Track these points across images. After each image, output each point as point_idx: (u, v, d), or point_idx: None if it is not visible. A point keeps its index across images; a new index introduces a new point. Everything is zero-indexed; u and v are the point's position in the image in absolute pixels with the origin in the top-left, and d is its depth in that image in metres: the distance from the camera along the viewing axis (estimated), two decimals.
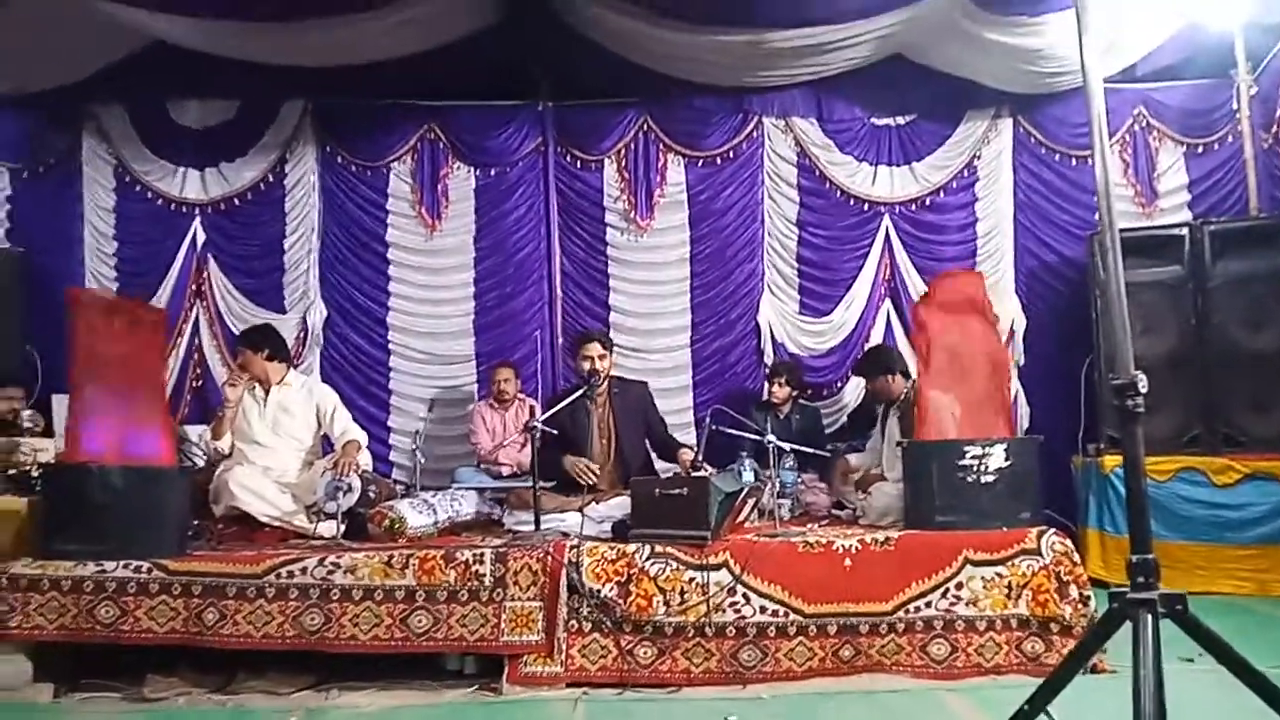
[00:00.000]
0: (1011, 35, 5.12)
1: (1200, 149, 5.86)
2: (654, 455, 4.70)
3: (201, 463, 4.52)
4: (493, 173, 6.10)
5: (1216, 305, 4.97)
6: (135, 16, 4.90)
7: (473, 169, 6.12)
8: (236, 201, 6.02)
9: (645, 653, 3.34)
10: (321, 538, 3.91)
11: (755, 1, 4.75)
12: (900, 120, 6.07)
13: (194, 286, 5.96)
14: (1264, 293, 4.90)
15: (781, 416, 5.43)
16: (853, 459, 4.71)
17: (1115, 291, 2.14)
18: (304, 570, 3.38)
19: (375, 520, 3.91)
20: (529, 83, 6.00)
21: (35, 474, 4.01)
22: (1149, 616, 1.93)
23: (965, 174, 6.02)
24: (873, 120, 6.08)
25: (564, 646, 3.34)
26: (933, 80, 5.77)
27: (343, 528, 3.87)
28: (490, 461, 5.54)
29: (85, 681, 3.38)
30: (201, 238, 5.98)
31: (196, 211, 6.00)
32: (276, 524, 4.08)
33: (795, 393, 5.55)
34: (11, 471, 4.13)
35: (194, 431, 5.04)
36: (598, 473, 4.31)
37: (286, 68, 5.47)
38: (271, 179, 6.04)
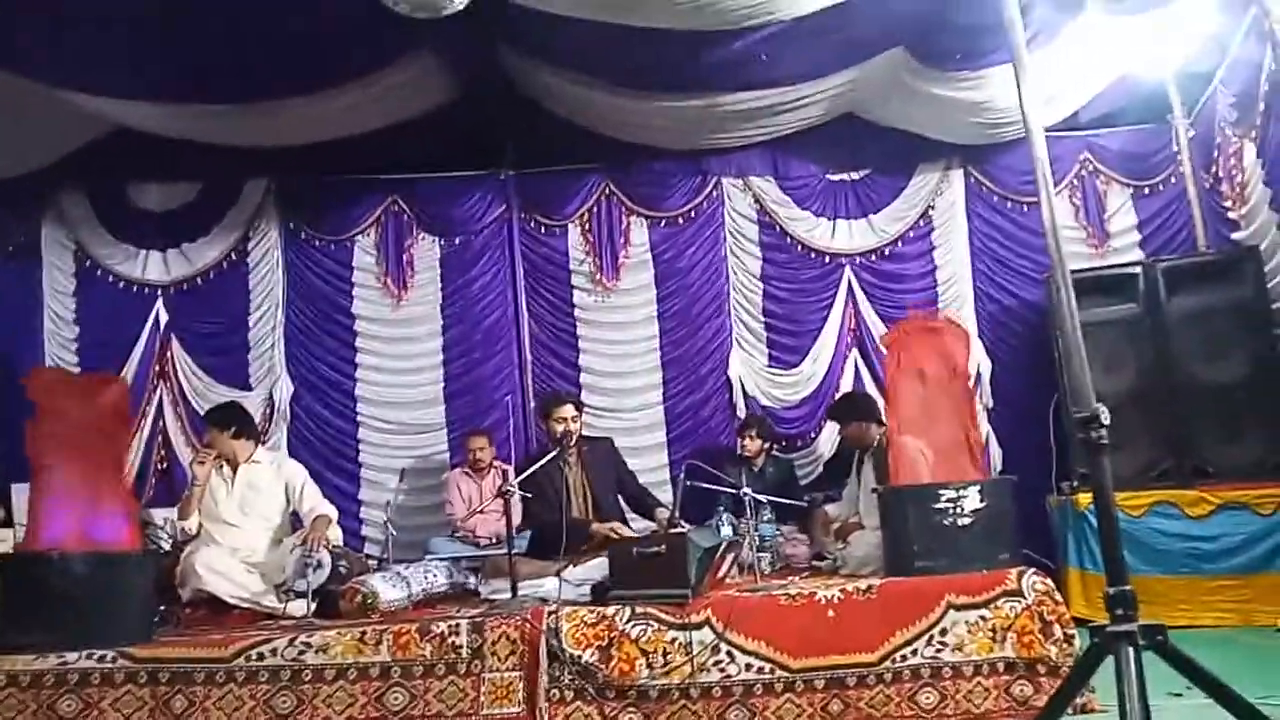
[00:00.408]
0: (956, 89, 5.29)
1: (1147, 190, 6.05)
2: (627, 510, 4.66)
3: (167, 546, 4.41)
4: (457, 241, 6.15)
5: (1174, 340, 5.07)
6: (97, 104, 4.92)
7: (437, 238, 6.16)
8: (199, 281, 6.02)
9: (630, 718, 3.26)
10: (292, 617, 3.80)
11: (706, 67, 4.87)
12: (855, 175, 6.23)
13: (157, 367, 5.89)
14: (1220, 326, 5.01)
15: (755, 469, 5.43)
16: (830, 509, 4.70)
17: (1070, 326, 2.18)
18: (274, 651, 3.28)
19: (347, 596, 3.81)
20: (491, 152, 6.10)
21: None
22: (1129, 649, 1.93)
23: (921, 224, 6.17)
24: (828, 176, 6.23)
25: (546, 717, 3.24)
26: (884, 135, 5.93)
27: (314, 606, 3.77)
28: (467, 530, 5.46)
29: None
30: (165, 318, 5.95)
31: (158, 292, 5.97)
32: (245, 605, 3.98)
33: (767, 445, 5.56)
34: None
35: (159, 515, 4.93)
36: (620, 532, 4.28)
37: (248, 148, 5.52)
38: (234, 257, 6.05)
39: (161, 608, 3.83)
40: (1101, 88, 5.51)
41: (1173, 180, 5.98)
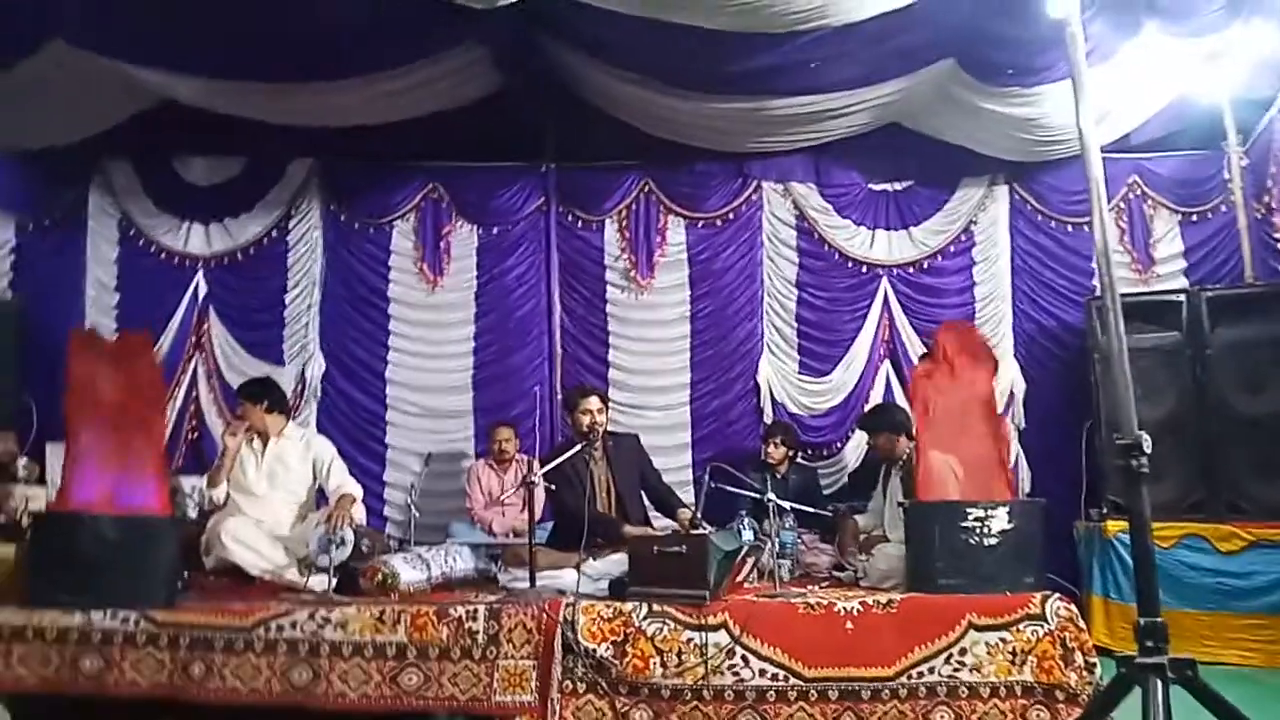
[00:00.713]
0: (1006, 105, 5.23)
1: (1195, 217, 5.94)
2: (650, 508, 4.66)
3: (194, 514, 4.47)
4: (495, 231, 6.17)
5: (1215, 371, 4.98)
6: (150, 77, 5.00)
7: (475, 227, 6.19)
8: (239, 256, 6.09)
9: (641, 715, 3.25)
10: (313, 591, 3.84)
11: (755, 71, 4.85)
12: (897, 186, 6.18)
13: (194, 338, 5.98)
14: (1262, 358, 4.91)
15: (779, 477, 5.39)
16: (860, 520, 4.66)
17: (1117, 351, 2.15)
18: (294, 624, 3.31)
19: (368, 575, 3.83)
20: (533, 145, 6.11)
21: (26, 521, 3.95)
22: (1158, 681, 1.90)
23: (962, 239, 6.10)
24: (870, 185, 6.18)
25: (558, 708, 3.25)
26: (929, 147, 5.87)
27: (334, 582, 3.80)
28: (485, 523, 5.50)
29: None
30: (204, 290, 6.04)
31: (199, 265, 6.06)
32: (268, 577, 4.01)
33: (792, 453, 5.52)
34: (2, 518, 4.09)
35: (188, 483, 5.00)
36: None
37: (294, 127, 5.58)
38: (275, 234, 6.11)
39: (185, 574, 3.88)
40: (1155, 110, 5.43)
41: (1223, 208, 5.87)
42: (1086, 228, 5.95)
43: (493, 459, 5.69)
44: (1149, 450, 2.02)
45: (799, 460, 5.64)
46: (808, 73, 4.89)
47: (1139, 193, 5.99)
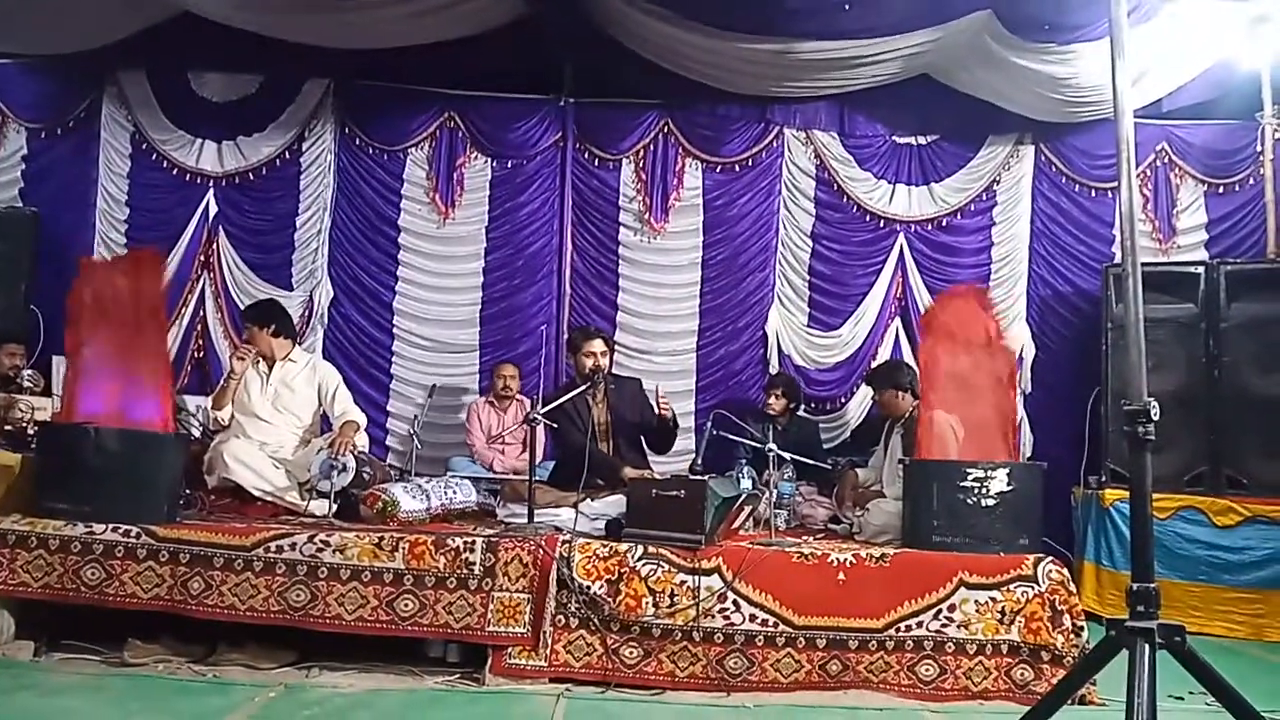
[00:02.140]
0: (1040, 62, 5.10)
1: (1221, 189, 5.84)
2: (650, 453, 4.68)
3: (198, 433, 4.50)
4: (509, 164, 6.09)
5: (1229, 346, 4.94)
6: None
7: (489, 159, 6.11)
8: (251, 176, 6.03)
9: (631, 653, 3.31)
10: (313, 515, 3.88)
11: (786, 11, 4.73)
12: (922, 140, 6.07)
13: (202, 257, 5.96)
14: (1277, 336, 4.86)
15: (779, 428, 5.40)
16: (860, 473, 4.67)
17: (1133, 318, 2.12)
18: (293, 546, 3.35)
19: (368, 502, 3.88)
20: (552, 77, 6.00)
21: (31, 431, 3.99)
22: (1147, 646, 1.90)
23: (984, 198, 6.01)
24: (894, 138, 6.07)
25: (549, 641, 3.30)
26: (957, 102, 5.75)
27: (334, 507, 3.85)
28: (485, 462, 5.53)
29: (66, 642, 3.35)
30: (214, 209, 5.99)
31: (210, 183, 6.00)
32: (269, 499, 4.06)
33: (792, 405, 5.52)
34: (8, 428, 4.12)
35: (192, 402, 5.02)
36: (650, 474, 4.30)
37: (311, 47, 5.47)
38: (288, 156, 6.04)
39: (187, 492, 3.93)
40: (1192, 76, 5.29)
41: (1251, 181, 5.77)
42: (1110, 194, 5.86)
43: (494, 396, 5.70)
44: (1156, 418, 2.00)
45: (800, 413, 5.64)
46: (839, 16, 4.77)
47: (1166, 160, 5.88)
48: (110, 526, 3.35)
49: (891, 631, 3.33)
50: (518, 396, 5.71)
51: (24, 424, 4.12)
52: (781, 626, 3.32)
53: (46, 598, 3.31)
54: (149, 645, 3.32)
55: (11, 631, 3.32)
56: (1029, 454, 5.62)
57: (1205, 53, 5.12)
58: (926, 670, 3.32)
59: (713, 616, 3.31)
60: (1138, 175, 5.77)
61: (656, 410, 4.56)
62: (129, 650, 3.28)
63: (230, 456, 4.05)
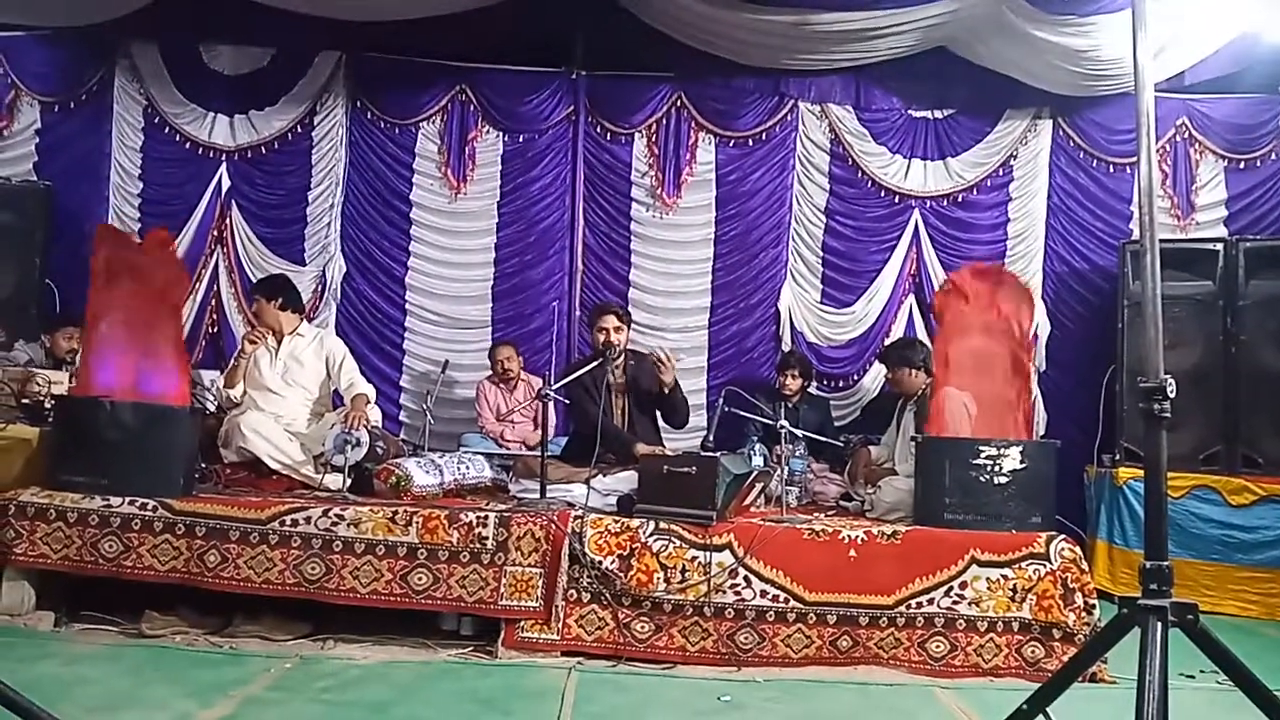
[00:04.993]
0: (1059, 34, 5.01)
1: (1241, 164, 5.76)
2: (664, 428, 4.68)
3: (213, 407, 4.53)
4: (521, 138, 6.05)
5: (1246, 324, 4.89)
6: None
7: (501, 134, 6.06)
8: (263, 150, 6.00)
9: (642, 627, 3.33)
10: (327, 489, 3.91)
11: None
12: (938, 114, 5.98)
13: (216, 232, 5.95)
14: None
15: (791, 406, 5.39)
16: (873, 450, 4.67)
17: (1150, 295, 2.09)
18: (308, 520, 3.38)
19: (381, 476, 3.90)
20: (564, 50, 5.94)
21: (48, 405, 4.02)
22: (1159, 624, 1.90)
23: (1000, 173, 5.94)
24: (910, 112, 5.99)
25: (561, 615, 3.33)
26: (974, 75, 5.66)
27: (349, 481, 3.87)
28: (496, 437, 5.54)
29: (85, 613, 3.41)
30: (226, 184, 5.97)
31: (223, 157, 5.98)
32: (284, 472, 4.09)
33: (805, 384, 5.51)
34: (25, 401, 4.15)
35: (207, 376, 5.05)
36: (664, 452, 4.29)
37: (322, 19, 5.42)
38: (300, 129, 6.01)
39: (203, 466, 3.96)
40: (1214, 49, 5.19)
41: (1272, 157, 5.70)
42: (1129, 169, 5.78)
43: (496, 378, 5.70)
44: (1172, 395, 1.98)
45: (811, 390, 5.63)
46: None
47: (1186, 135, 5.79)
48: (127, 500, 3.39)
49: (902, 608, 3.34)
50: (523, 375, 5.71)
51: (41, 398, 4.14)
52: (792, 602, 3.33)
53: (65, 569, 3.37)
54: (166, 616, 3.37)
55: (32, 602, 3.37)
56: (1042, 432, 5.59)
57: (1230, 24, 5.02)
58: (937, 647, 3.33)
59: (724, 592, 3.33)
60: (1157, 150, 5.69)
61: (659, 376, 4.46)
62: (146, 622, 3.33)
63: (247, 428, 4.08)
